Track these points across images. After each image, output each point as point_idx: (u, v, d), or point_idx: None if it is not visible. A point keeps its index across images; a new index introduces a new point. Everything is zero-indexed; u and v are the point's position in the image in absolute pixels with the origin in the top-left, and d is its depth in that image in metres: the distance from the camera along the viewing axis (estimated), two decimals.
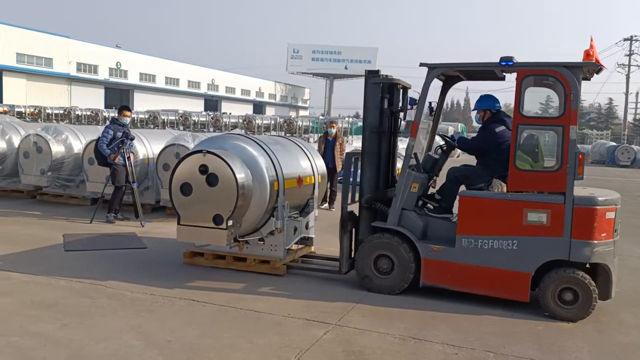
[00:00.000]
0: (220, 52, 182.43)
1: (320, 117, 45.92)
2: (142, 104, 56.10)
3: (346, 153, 6.60)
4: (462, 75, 6.29)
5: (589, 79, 5.68)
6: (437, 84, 6.20)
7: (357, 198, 6.13)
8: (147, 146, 9.94)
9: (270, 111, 75.70)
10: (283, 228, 6.12)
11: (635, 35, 49.59)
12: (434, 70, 5.71)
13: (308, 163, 6.98)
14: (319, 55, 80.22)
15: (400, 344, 4.42)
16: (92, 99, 54.01)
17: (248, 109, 71.07)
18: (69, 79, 55.47)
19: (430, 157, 6.13)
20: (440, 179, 6.25)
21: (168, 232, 8.37)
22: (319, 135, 34.60)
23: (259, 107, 79.95)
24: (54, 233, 7.87)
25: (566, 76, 5.10)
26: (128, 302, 5.15)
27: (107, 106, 50.19)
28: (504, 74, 6.03)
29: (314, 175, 6.95)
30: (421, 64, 5.75)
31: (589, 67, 5.31)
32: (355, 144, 19.47)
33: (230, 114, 42.12)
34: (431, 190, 6.23)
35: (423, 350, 4.33)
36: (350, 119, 40.51)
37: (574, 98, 5.06)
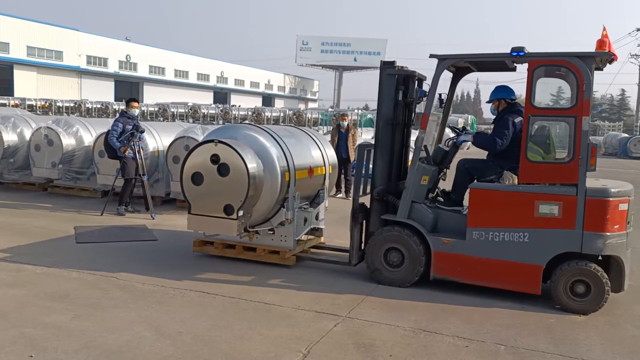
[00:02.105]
0: (229, 44, 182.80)
1: (330, 109, 45.86)
2: (151, 96, 56.36)
3: (358, 144, 6.56)
4: (473, 67, 6.22)
5: (602, 69, 5.60)
6: (447, 76, 6.15)
7: (368, 190, 6.11)
8: (157, 139, 9.96)
9: (279, 103, 75.68)
10: (293, 219, 6.12)
11: None
12: (444, 61, 5.64)
13: (319, 153, 6.92)
14: (328, 47, 80.00)
15: (410, 336, 4.42)
16: (102, 92, 54.34)
17: (257, 102, 71.15)
18: (79, 72, 55.79)
19: (440, 149, 6.07)
20: (451, 172, 6.20)
21: (178, 224, 8.41)
22: (328, 127, 34.53)
23: (268, 100, 79.97)
24: (66, 225, 7.92)
25: (578, 66, 5.03)
26: (139, 293, 5.18)
27: (117, 99, 50.50)
28: (515, 64, 5.95)
29: (324, 165, 6.90)
30: (431, 55, 5.69)
31: (602, 57, 5.21)
32: (364, 135, 19.36)
33: (239, 106, 42.22)
34: (441, 183, 6.17)
35: (433, 343, 4.31)
36: (360, 111, 40.43)
37: (587, 88, 4.99)
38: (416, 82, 6.07)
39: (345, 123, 11.34)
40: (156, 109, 39.52)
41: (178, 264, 6.24)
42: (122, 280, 5.54)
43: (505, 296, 5.31)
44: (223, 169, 5.57)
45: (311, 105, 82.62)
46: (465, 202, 5.76)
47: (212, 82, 73.28)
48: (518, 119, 5.65)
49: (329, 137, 11.14)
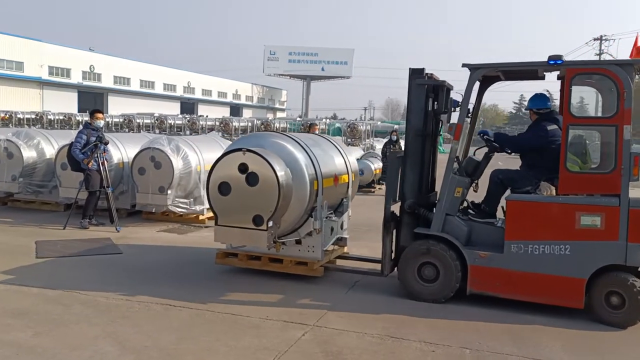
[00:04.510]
0: (196, 54, 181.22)
1: (298, 119, 45.87)
2: (116, 107, 55.41)
3: (390, 152, 6.40)
4: (502, 76, 6.10)
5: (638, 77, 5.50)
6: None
7: (397, 198, 5.93)
8: (121, 150, 9.80)
9: (247, 113, 75.36)
10: (321, 229, 5.95)
11: (605, 35, 50.68)
12: (477, 70, 5.53)
13: (342, 161, 6.76)
14: (296, 56, 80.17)
15: (378, 343, 4.45)
16: (65, 103, 53.11)
17: (225, 112, 70.66)
18: (41, 83, 54.46)
19: (471, 160, 5.93)
20: (481, 182, 6.03)
21: (144, 237, 8.29)
22: None
23: (236, 110, 79.56)
24: (26, 240, 7.71)
25: (619, 74, 4.93)
26: (103, 308, 5.08)
27: (80, 110, 49.43)
28: (544, 73, 5.88)
29: (348, 173, 6.75)
30: (464, 65, 5.58)
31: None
32: None
33: (207, 116, 41.88)
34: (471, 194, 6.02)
35: (401, 349, 4.36)
36: (328, 120, 40.60)
37: (627, 97, 4.89)
38: (445, 91, 5.89)
39: (316, 132, 11.36)
40: (121, 120, 38.88)
41: (144, 277, 6.14)
42: (85, 295, 5.41)
43: (471, 302, 5.39)
44: (252, 179, 5.39)
45: (279, 115, 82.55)
46: (498, 213, 5.71)
47: (179, 92, 72.51)
48: (552, 127, 5.52)
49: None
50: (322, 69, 79.99)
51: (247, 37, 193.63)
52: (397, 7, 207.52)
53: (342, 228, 6.48)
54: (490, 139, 5.93)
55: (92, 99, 58.64)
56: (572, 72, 5.15)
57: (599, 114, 5.68)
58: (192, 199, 9.38)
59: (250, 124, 37.17)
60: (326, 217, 6.05)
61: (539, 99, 5.89)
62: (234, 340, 4.42)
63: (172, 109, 61.42)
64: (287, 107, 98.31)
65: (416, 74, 5.80)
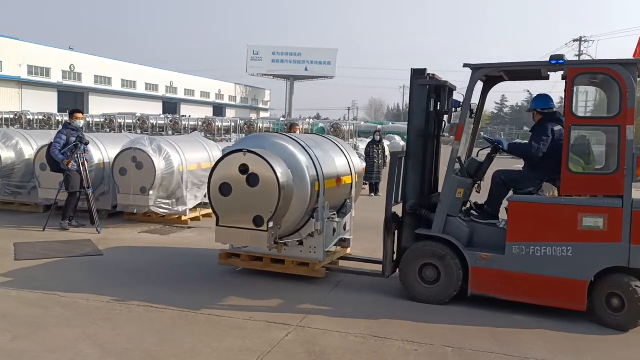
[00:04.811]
0: (178, 54, 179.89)
1: (281, 119, 45.79)
2: (97, 107, 54.75)
3: (391, 152, 6.34)
4: (505, 76, 6.06)
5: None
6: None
7: (399, 199, 5.91)
8: (102, 150, 9.69)
9: (230, 113, 74.99)
10: (323, 229, 5.93)
11: (584, 37, 51.44)
12: (478, 70, 5.48)
13: (345, 162, 6.73)
14: (279, 56, 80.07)
15: (361, 343, 4.46)
16: (45, 103, 52.32)
17: (208, 112, 70.26)
18: (20, 83, 53.55)
19: (474, 161, 5.90)
20: (484, 184, 6.00)
21: (126, 238, 8.21)
22: None
23: (219, 110, 79.11)
24: (5, 242, 7.58)
25: (621, 74, 4.86)
26: (83, 311, 5.01)
27: (60, 110, 48.76)
28: (549, 73, 5.83)
29: (351, 174, 6.71)
30: (465, 65, 5.53)
31: None
32: None
33: (189, 116, 41.59)
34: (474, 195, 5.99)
35: (384, 348, 4.37)
36: (311, 120, 40.59)
37: (630, 97, 4.80)
38: (447, 92, 5.87)
39: (297, 132, 11.39)
40: (102, 120, 38.44)
41: (124, 279, 6.08)
42: (64, 297, 5.34)
43: (459, 303, 5.42)
44: (252, 179, 5.39)
45: (263, 114, 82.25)
46: (501, 215, 5.65)
47: (161, 92, 71.88)
48: (557, 128, 5.46)
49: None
50: (306, 69, 80.00)
51: (231, 37, 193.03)
52: (380, 7, 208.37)
53: (345, 229, 6.48)
54: (491, 139, 5.93)
55: (73, 99, 57.85)
56: (574, 72, 5.09)
57: (605, 115, 5.55)
58: (174, 200, 9.31)
59: (233, 124, 37.01)
60: (328, 218, 6.04)
61: (542, 100, 5.83)
62: (217, 341, 4.39)
63: (154, 109, 60.85)
64: (271, 107, 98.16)
65: (418, 75, 5.77)
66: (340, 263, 6.67)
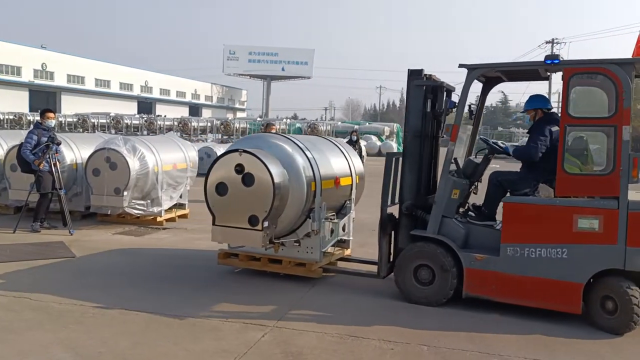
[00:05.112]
0: (153, 53, 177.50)
1: (258, 119, 45.71)
2: (70, 106, 53.85)
3: (387, 153, 6.19)
4: (503, 76, 6.02)
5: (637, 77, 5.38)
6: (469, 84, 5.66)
7: (396, 200, 5.91)
8: (75, 151, 9.52)
9: (206, 113, 74.50)
10: (320, 230, 5.93)
11: (557, 38, 52.48)
12: (474, 71, 5.44)
13: (345, 163, 6.73)
14: (256, 56, 79.80)
15: (338, 342, 4.46)
16: (16, 102, 51.26)
17: (184, 112, 69.73)
18: None
19: (471, 162, 5.84)
20: (482, 185, 5.98)
21: (99, 239, 8.09)
22: None
23: (195, 110, 78.53)
24: None
25: (617, 73, 4.79)
26: (55, 314, 4.92)
27: (32, 109, 47.81)
28: (548, 73, 5.78)
29: (351, 175, 6.70)
30: (460, 65, 5.48)
31: None
32: None
33: (165, 116, 41.20)
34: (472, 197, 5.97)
35: (360, 347, 4.39)
36: (288, 120, 40.60)
37: (626, 96, 4.75)
38: (445, 92, 5.87)
39: (273, 132, 11.40)
40: (75, 119, 37.83)
41: (98, 282, 5.98)
42: (36, 300, 5.23)
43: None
44: (247, 179, 5.43)
45: (240, 114, 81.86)
46: (498, 216, 5.57)
47: (136, 91, 71.02)
48: (555, 128, 5.37)
49: None
50: (283, 69, 79.89)
51: (207, 36, 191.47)
52: (357, 8, 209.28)
53: (344, 230, 6.49)
54: (489, 141, 5.90)
55: (45, 98, 56.77)
56: (570, 72, 5.02)
57: (601, 115, 5.42)
58: (149, 201, 9.20)
59: (209, 124, 36.82)
60: (325, 219, 6.05)
61: (536, 100, 5.78)
62: (193, 343, 4.35)
63: (128, 109, 60.10)
64: (248, 107, 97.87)
65: (414, 75, 5.76)
66: (339, 264, 6.67)
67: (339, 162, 6.66)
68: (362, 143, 20.83)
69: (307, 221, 5.93)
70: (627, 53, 6.03)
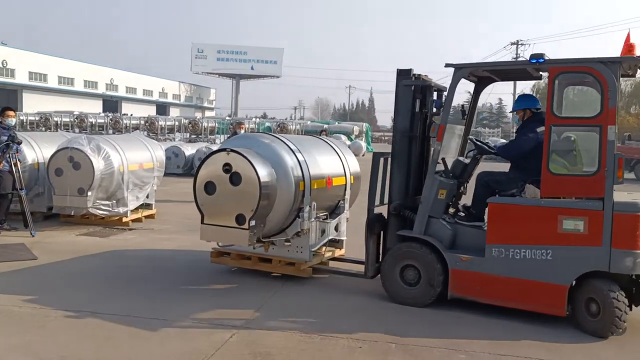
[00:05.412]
0: (119, 50, 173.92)
1: (227, 118, 45.30)
2: (32, 105, 52.34)
3: (374, 153, 6.12)
4: (495, 76, 5.98)
5: (633, 76, 5.34)
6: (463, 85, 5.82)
7: (385, 200, 5.88)
8: (36, 150, 9.26)
9: (174, 112, 73.43)
10: (309, 229, 5.94)
11: (521, 40, 53.65)
12: (460, 70, 5.41)
13: (339, 163, 6.71)
14: (225, 55, 79.06)
15: (306, 342, 4.46)
16: None
17: (151, 110, 68.49)
18: None
19: (459, 162, 5.79)
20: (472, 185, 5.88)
21: (62, 240, 7.89)
22: (226, 136, 34.00)
23: (162, 108, 77.26)
24: None
25: (603, 72, 4.71)
26: (16, 318, 4.77)
27: None
28: (540, 72, 5.74)
29: (345, 176, 6.69)
30: (447, 65, 5.46)
31: (630, 62, 4.92)
32: None
33: (131, 115, 40.44)
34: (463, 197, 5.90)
35: (328, 346, 4.39)
36: (258, 119, 40.37)
37: (612, 96, 4.66)
38: (434, 92, 5.85)
39: (242, 131, 11.69)
40: (37, 118, 36.80)
41: (61, 284, 5.83)
42: None
43: (385, 296, 5.51)
44: (235, 178, 5.46)
45: (208, 113, 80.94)
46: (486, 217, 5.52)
47: (101, 89, 69.44)
48: (541, 128, 5.25)
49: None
50: (252, 68, 79.39)
51: (174, 34, 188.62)
52: (326, 7, 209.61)
53: (336, 230, 6.48)
54: (479, 141, 5.86)
55: (5, 96, 54.94)
56: (555, 71, 4.97)
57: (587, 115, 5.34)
58: (114, 201, 9.02)
59: (177, 123, 36.31)
60: (316, 219, 6.03)
61: (525, 100, 5.78)
62: (159, 345, 4.29)
63: (93, 107, 58.68)
64: (216, 106, 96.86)
65: (403, 75, 5.74)
66: (331, 264, 6.66)
67: (332, 162, 6.66)
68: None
69: (297, 220, 5.94)
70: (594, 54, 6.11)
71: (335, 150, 6.91)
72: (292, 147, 6.06)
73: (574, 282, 4.85)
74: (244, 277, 6.14)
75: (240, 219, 5.43)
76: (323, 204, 6.31)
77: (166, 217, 10.10)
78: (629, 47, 4.83)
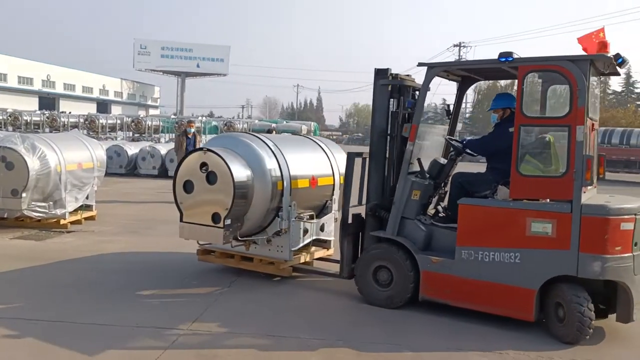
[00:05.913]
0: (56, 45, 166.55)
1: (172, 116, 44.28)
2: None
3: (348, 152, 5.94)
4: (477, 76, 5.86)
5: (606, 74, 5.27)
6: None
7: (363, 201, 5.79)
8: None
9: (116, 110, 71.12)
10: (289, 229, 5.86)
11: (464, 42, 55.31)
12: (432, 69, 5.33)
13: (327, 163, 6.62)
14: (169, 52, 77.23)
15: (254, 343, 4.39)
16: None
17: (91, 108, 65.99)
18: None
19: (436, 163, 5.69)
20: None
21: None
22: (171, 135, 33.20)
23: (103, 106, 74.64)
24: None
25: (572, 71, 4.61)
26: None
27: None
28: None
29: (333, 176, 6.59)
30: (419, 64, 5.39)
31: (602, 60, 4.77)
32: None
33: (69, 113, 38.85)
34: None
35: (276, 346, 4.34)
36: (204, 118, 39.66)
37: (581, 95, 4.54)
38: (412, 91, 5.73)
39: (192, 130, 12.28)
40: None
41: None
42: None
43: (344, 296, 5.54)
44: (211, 177, 5.50)
45: (152, 112, 78.88)
46: None
47: (37, 86, 66.36)
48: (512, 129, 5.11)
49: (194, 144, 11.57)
50: (198, 66, 77.96)
51: (116, 29, 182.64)
52: (272, 5, 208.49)
53: (322, 230, 6.41)
54: (453, 139, 5.83)
55: None
56: (524, 70, 4.86)
57: (555, 114, 5.29)
58: (51, 202, 8.61)
59: (119, 121, 35.16)
60: (299, 218, 5.98)
61: (502, 99, 5.68)
62: (99, 351, 4.09)
63: (28, 105, 56.00)
64: (161, 104, 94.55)
65: (380, 75, 5.68)
66: (315, 264, 6.60)
67: (318, 162, 6.61)
68: None
69: (276, 220, 5.92)
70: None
71: (323, 150, 6.86)
72: (273, 146, 6.05)
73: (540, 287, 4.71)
74: (200, 277, 5.98)
75: (216, 218, 5.47)
76: (307, 204, 6.29)
77: (107, 218, 9.75)
78: (601, 44, 4.72)
